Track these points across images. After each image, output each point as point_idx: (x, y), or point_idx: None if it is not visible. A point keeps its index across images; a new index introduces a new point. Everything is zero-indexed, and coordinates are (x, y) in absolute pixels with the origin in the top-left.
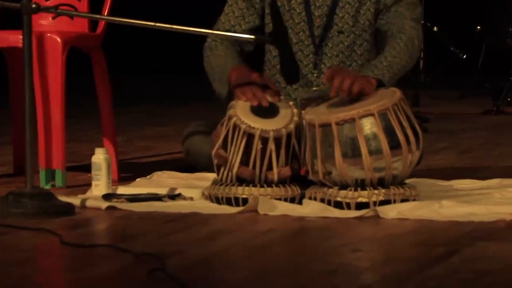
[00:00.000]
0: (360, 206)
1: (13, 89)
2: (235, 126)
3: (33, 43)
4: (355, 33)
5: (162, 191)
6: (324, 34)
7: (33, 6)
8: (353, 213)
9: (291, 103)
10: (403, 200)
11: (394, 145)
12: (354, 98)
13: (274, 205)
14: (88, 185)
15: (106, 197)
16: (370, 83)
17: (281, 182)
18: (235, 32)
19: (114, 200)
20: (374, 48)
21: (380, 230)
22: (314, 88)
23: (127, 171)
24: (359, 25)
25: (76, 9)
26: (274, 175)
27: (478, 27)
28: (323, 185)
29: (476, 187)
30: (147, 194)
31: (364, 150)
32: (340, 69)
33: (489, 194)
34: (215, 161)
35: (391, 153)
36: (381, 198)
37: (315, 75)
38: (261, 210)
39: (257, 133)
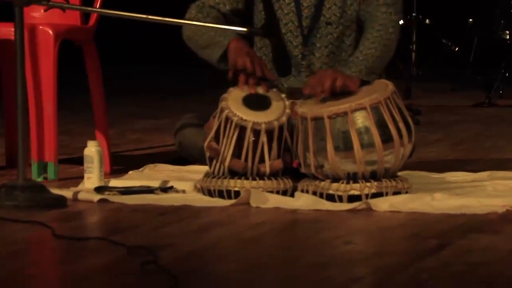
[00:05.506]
0: (352, 199)
1: (5, 82)
2: (227, 119)
3: (25, 36)
4: (344, 24)
5: (155, 183)
6: (312, 25)
7: None
8: (345, 206)
9: (283, 95)
10: (395, 193)
11: (386, 138)
12: (344, 93)
13: (266, 198)
14: (81, 177)
15: (98, 189)
16: (353, 79)
17: (273, 174)
18: (218, 10)
19: (106, 192)
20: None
21: (372, 222)
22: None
23: (119, 163)
24: (347, 16)
25: (68, 2)
26: (266, 167)
27: (470, 20)
28: (315, 178)
29: (468, 179)
30: (140, 186)
31: (356, 144)
32: (318, 73)
33: (481, 186)
34: (207, 154)
35: (383, 146)
36: (373, 190)
37: (303, 66)
38: (253, 203)
39: (249, 126)
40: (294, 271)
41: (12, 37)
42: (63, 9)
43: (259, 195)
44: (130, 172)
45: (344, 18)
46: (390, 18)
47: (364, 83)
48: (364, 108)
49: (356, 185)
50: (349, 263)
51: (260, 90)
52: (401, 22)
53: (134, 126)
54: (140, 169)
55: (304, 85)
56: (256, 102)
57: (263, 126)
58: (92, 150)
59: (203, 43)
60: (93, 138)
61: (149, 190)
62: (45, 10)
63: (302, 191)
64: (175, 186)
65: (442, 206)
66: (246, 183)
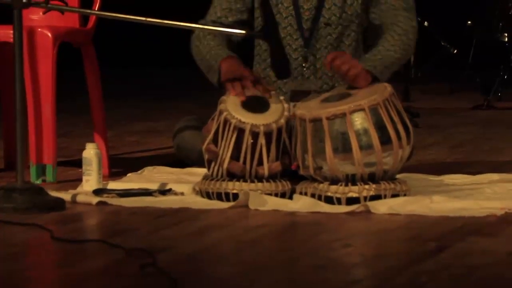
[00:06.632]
0: (351, 201)
1: (4, 84)
2: (225, 121)
3: (24, 38)
4: (343, 24)
5: (153, 186)
6: (312, 26)
7: (24, 0)
8: (344, 208)
9: (281, 97)
10: (393, 195)
11: (385, 140)
12: (346, 92)
13: (265, 200)
14: (79, 180)
15: (97, 192)
16: (365, 75)
17: (272, 177)
18: (221, 24)
19: (105, 195)
20: (362, 43)
21: (371, 225)
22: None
23: (118, 166)
24: (347, 16)
25: (66, 4)
26: (265, 170)
27: (469, 22)
28: (313, 180)
29: (467, 182)
30: (138, 189)
31: (354, 145)
32: (341, 54)
33: (480, 189)
34: (206, 156)
35: (382, 148)
36: (371, 193)
37: (305, 68)
38: (251, 205)
39: (248, 128)
40: (293, 273)
41: (11, 40)
42: (62, 12)
43: (257, 198)
44: (129, 174)
45: (343, 18)
46: (411, 25)
47: (374, 80)
48: (362, 110)
49: (355, 188)
50: (348, 266)
51: (258, 92)
52: None
53: (132, 128)
54: (139, 172)
55: (303, 87)
56: (254, 105)
57: (262, 128)
58: (90, 152)
59: (204, 68)
60: (91, 140)
61: (147, 193)
62: (44, 13)
63: (300, 193)
64: (173, 188)
65: (441, 209)
66: (245, 186)
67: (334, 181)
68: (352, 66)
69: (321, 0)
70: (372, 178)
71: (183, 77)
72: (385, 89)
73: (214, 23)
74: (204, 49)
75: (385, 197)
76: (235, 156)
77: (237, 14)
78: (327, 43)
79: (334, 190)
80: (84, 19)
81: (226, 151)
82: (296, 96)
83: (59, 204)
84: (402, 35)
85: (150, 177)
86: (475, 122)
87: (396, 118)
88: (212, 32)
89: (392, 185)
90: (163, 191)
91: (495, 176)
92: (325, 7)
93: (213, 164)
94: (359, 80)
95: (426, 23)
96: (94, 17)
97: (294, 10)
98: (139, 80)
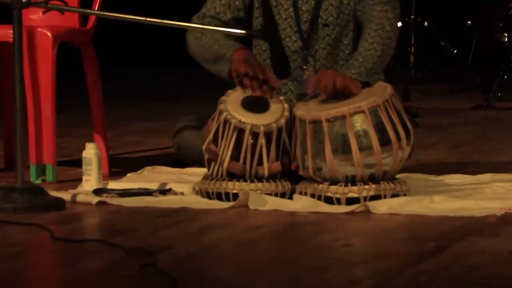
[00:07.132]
0: (351, 201)
1: (3, 84)
2: (225, 121)
3: (24, 38)
4: (340, 24)
5: (153, 186)
6: (311, 28)
7: (24, 0)
8: (344, 208)
9: (281, 98)
10: (393, 195)
11: (385, 141)
12: (345, 94)
13: (265, 200)
14: (79, 180)
15: (97, 192)
16: (354, 81)
17: (272, 177)
18: (220, 20)
19: (105, 195)
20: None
21: (371, 225)
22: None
23: (117, 166)
24: (344, 16)
25: (66, 4)
26: (265, 170)
27: (469, 22)
28: (313, 180)
29: (466, 182)
30: (138, 189)
31: (354, 147)
32: (322, 73)
33: (480, 189)
34: (206, 156)
35: (382, 149)
36: (371, 193)
37: (304, 69)
38: (251, 205)
39: (248, 128)
40: (293, 273)
41: (11, 39)
42: (62, 12)
43: (257, 198)
44: (129, 174)
45: (340, 18)
46: (386, 16)
47: (366, 84)
48: (362, 112)
49: (355, 188)
50: (348, 266)
51: (264, 92)
52: (399, 24)
53: (132, 128)
54: (139, 171)
55: (304, 89)
56: (254, 105)
57: (262, 128)
58: (90, 152)
59: (209, 57)
60: (91, 140)
61: (147, 193)
62: (44, 13)
63: (300, 193)
64: (173, 188)
65: (441, 209)
66: (245, 186)
67: (334, 181)
68: (334, 79)
69: (319, 1)
70: (372, 179)
71: (183, 77)
72: (385, 90)
73: (213, 18)
74: (209, 40)
75: (385, 197)
76: (235, 156)
77: (235, 12)
78: (326, 44)
79: (334, 191)
80: (84, 19)
81: (226, 151)
82: (303, 98)
83: (59, 204)
84: (378, 30)
85: (150, 177)
86: (475, 122)
87: (395, 119)
88: (210, 23)
89: (392, 185)
90: (163, 191)
91: (495, 176)
92: (322, 8)
93: (213, 164)
94: (350, 88)
95: (426, 24)
96: (94, 17)
97: (293, 12)
98: (139, 80)
